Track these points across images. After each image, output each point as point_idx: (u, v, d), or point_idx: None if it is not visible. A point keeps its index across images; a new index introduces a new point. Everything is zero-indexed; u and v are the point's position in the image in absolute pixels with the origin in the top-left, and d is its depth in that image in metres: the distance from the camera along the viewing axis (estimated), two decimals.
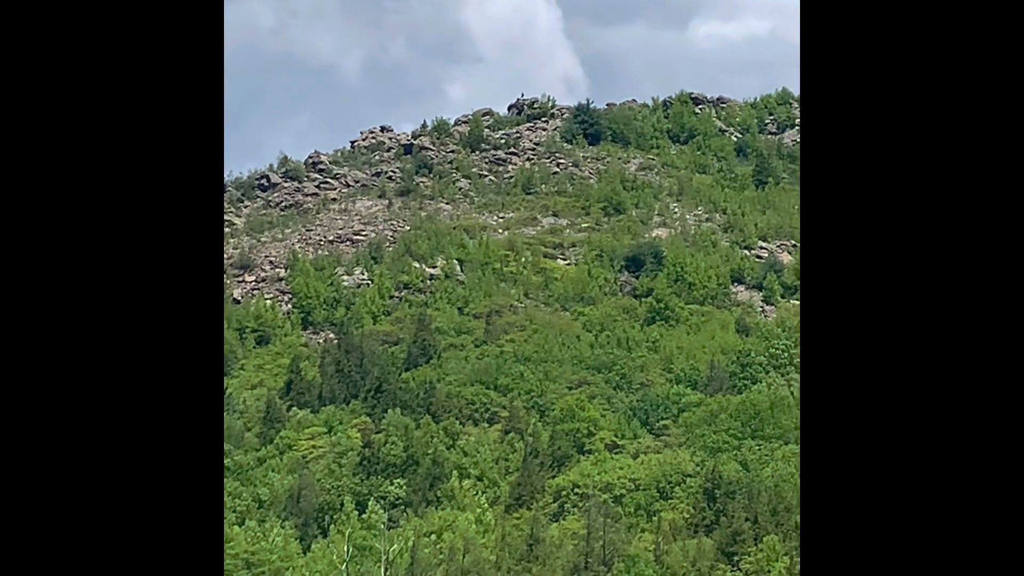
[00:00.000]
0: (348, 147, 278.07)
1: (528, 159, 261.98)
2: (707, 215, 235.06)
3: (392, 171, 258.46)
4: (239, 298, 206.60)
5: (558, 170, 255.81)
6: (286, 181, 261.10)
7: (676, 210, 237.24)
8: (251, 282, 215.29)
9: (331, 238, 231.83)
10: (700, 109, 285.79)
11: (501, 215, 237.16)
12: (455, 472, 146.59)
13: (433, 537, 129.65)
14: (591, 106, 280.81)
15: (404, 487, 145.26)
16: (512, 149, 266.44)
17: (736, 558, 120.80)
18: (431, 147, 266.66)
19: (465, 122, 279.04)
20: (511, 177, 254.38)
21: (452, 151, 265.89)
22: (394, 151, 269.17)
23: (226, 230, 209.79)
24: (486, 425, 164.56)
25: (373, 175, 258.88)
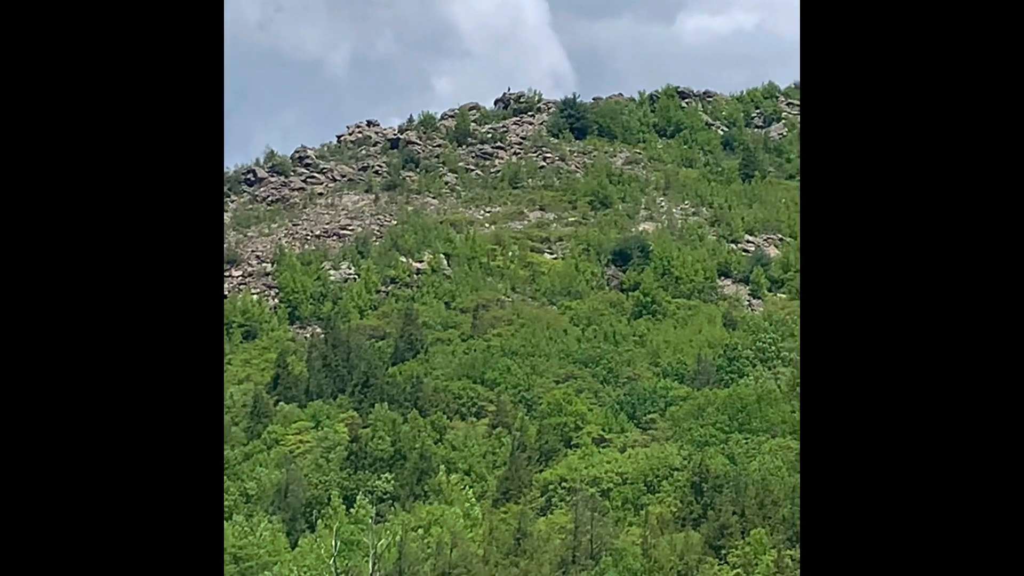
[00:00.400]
0: (334, 141, 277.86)
1: (515, 153, 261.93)
2: (693, 209, 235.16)
3: (378, 165, 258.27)
4: (226, 293, 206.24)
5: (544, 164, 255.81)
6: (272, 176, 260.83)
7: (663, 204, 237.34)
8: (238, 277, 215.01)
9: (318, 232, 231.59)
10: (686, 103, 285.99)
11: (488, 209, 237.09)
12: (442, 466, 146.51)
13: (421, 531, 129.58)
14: (577, 100, 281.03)
15: (392, 481, 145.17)
16: (499, 143, 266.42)
17: (723, 551, 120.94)
18: (418, 141, 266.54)
19: (451, 116, 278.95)
20: (498, 171, 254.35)
21: (439, 145, 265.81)
22: (380, 145, 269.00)
23: None
24: (473, 419, 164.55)
25: (360, 169, 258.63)
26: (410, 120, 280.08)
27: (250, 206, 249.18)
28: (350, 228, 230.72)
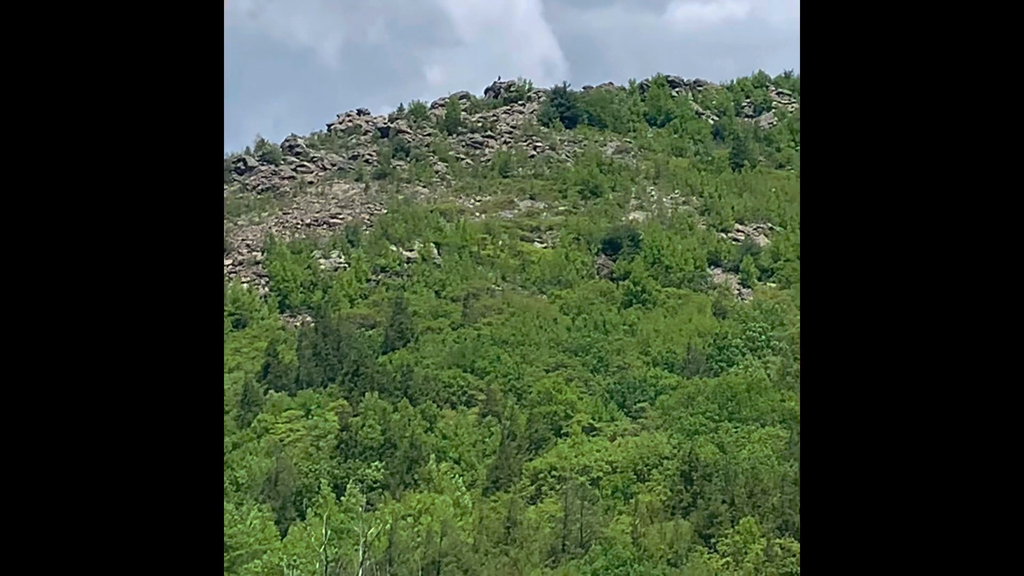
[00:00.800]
0: (325, 130, 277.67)
1: (505, 142, 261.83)
2: (684, 198, 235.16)
3: (369, 154, 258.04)
4: None
5: (535, 153, 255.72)
6: (263, 164, 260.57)
7: (653, 193, 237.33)
8: (228, 265, 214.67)
9: (308, 221, 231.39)
10: (677, 92, 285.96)
11: (478, 198, 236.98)
12: (432, 455, 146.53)
13: (410, 520, 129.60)
14: (568, 89, 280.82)
15: (382, 470, 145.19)
16: (489, 132, 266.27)
17: (713, 540, 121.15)
18: (408, 130, 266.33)
19: (442, 105, 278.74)
20: (488, 160, 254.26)
21: (429, 134, 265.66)
22: (371, 134, 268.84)
23: None
24: (464, 408, 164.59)
25: (350, 158, 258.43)
26: (400, 109, 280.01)
27: (240, 195, 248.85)
28: (340, 217, 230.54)
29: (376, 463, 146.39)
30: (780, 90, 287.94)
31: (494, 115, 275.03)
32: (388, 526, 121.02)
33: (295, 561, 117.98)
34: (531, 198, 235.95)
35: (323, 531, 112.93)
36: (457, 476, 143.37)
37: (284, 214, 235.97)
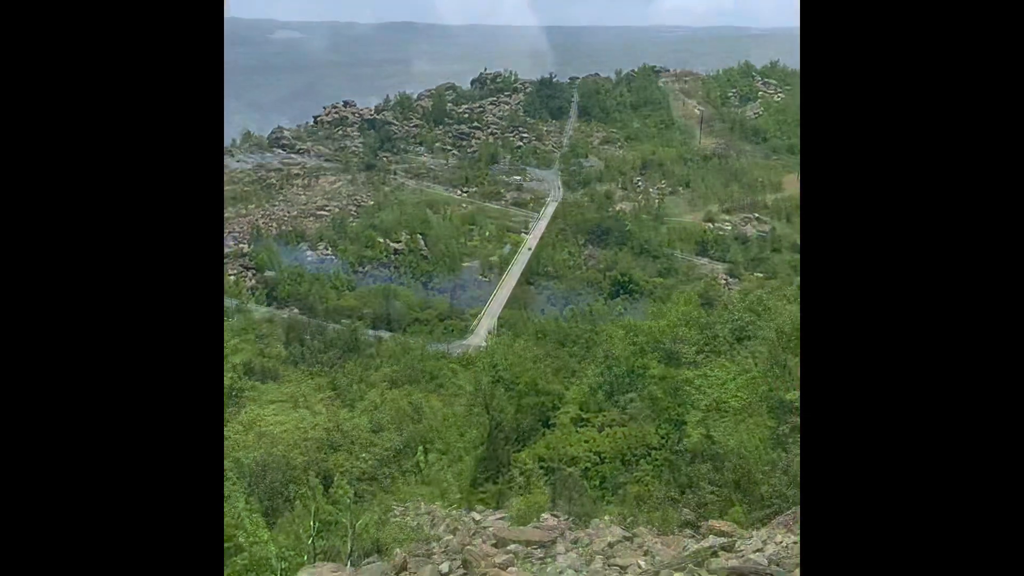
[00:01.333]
0: (311, 122, 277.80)
1: (491, 133, 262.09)
2: (670, 188, 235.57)
3: (355, 146, 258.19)
4: None
5: (521, 144, 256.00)
6: (249, 156, 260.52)
7: (640, 183, 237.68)
8: None
9: (294, 213, 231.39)
10: (663, 82, 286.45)
11: (464, 189, 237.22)
12: (420, 446, 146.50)
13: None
14: (554, 80, 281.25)
15: (370, 461, 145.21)
16: (476, 123, 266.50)
17: (702, 529, 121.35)
18: (394, 122, 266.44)
19: (428, 96, 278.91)
20: (475, 151, 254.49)
21: (415, 125, 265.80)
22: (357, 126, 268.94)
23: None
24: (451, 399, 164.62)
25: (336, 150, 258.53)
26: (387, 100, 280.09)
27: (227, 187, 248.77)
28: (327, 208, 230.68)
29: (364, 454, 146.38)
30: (766, 80, 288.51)
31: (480, 106, 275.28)
32: (376, 517, 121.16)
33: (283, 553, 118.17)
34: (517, 189, 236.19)
35: (311, 523, 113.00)
36: (445, 467, 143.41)
37: (271, 206, 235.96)
